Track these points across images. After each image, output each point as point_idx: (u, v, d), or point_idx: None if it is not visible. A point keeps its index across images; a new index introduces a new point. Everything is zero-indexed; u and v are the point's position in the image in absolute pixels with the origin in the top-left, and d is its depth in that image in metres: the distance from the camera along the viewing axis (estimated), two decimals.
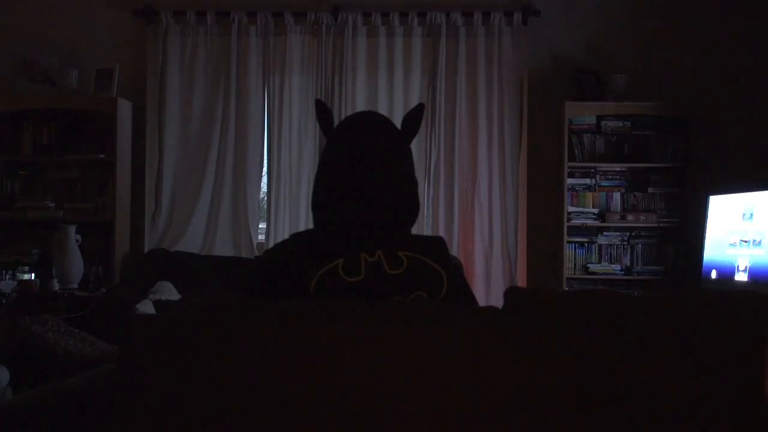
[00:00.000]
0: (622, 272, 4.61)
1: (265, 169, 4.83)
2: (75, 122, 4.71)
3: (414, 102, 4.58)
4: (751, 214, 3.95)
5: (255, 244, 4.72)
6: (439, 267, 1.61)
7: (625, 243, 4.64)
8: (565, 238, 4.54)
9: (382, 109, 4.54)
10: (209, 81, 4.75)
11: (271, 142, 4.75)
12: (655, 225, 4.57)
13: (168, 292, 4.08)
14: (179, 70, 4.74)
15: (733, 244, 4.04)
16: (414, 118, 1.75)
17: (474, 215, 4.66)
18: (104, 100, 4.58)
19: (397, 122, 1.77)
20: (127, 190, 4.71)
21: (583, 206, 4.65)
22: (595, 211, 4.63)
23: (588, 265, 4.63)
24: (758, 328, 1.24)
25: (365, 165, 1.64)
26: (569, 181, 4.58)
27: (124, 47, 4.79)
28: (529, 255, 4.73)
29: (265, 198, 4.89)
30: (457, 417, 1.21)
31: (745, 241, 3.96)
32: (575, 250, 4.64)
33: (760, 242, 3.87)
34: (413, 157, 1.77)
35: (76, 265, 4.46)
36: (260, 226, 4.95)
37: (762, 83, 4.60)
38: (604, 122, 4.63)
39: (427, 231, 4.61)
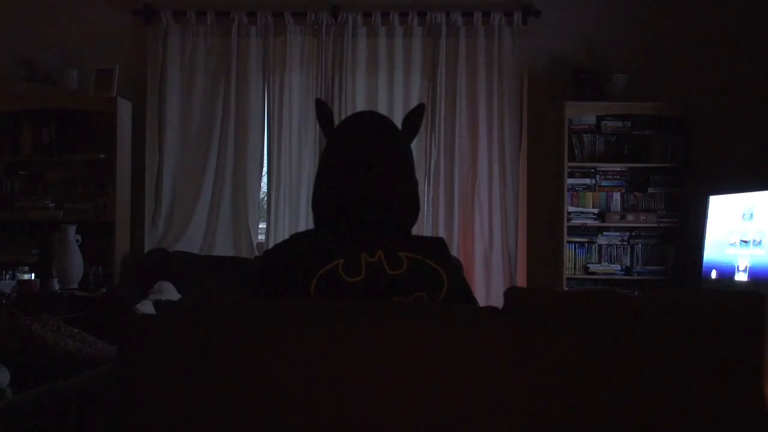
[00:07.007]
0: (622, 272, 4.61)
1: (265, 169, 4.83)
2: (75, 122, 4.71)
3: (414, 102, 4.58)
4: (751, 214, 3.95)
5: (255, 244, 4.72)
6: (439, 267, 1.60)
7: (625, 243, 4.64)
8: (565, 238, 4.54)
9: (382, 109, 4.53)
10: (209, 81, 4.75)
11: (271, 142, 4.75)
12: (655, 225, 4.57)
13: (168, 292, 4.08)
14: (179, 70, 4.74)
15: (733, 244, 4.04)
16: (414, 118, 1.75)
17: (474, 215, 4.66)
18: (104, 100, 4.57)
19: (398, 123, 1.77)
20: (127, 190, 4.71)
21: (583, 206, 4.65)
22: (595, 211, 4.63)
23: (588, 265, 4.63)
24: (757, 329, 1.24)
25: (366, 165, 1.64)
26: (569, 181, 4.59)
27: (124, 47, 4.79)
28: (529, 255, 4.73)
29: (265, 198, 4.88)
30: (456, 417, 1.21)
31: (745, 241, 3.96)
32: (575, 250, 4.64)
33: (760, 242, 3.86)
34: (413, 157, 1.77)
35: (76, 265, 4.46)
36: (260, 226, 4.95)
37: (762, 83, 4.61)
38: (604, 122, 4.63)
39: (427, 231, 4.61)
